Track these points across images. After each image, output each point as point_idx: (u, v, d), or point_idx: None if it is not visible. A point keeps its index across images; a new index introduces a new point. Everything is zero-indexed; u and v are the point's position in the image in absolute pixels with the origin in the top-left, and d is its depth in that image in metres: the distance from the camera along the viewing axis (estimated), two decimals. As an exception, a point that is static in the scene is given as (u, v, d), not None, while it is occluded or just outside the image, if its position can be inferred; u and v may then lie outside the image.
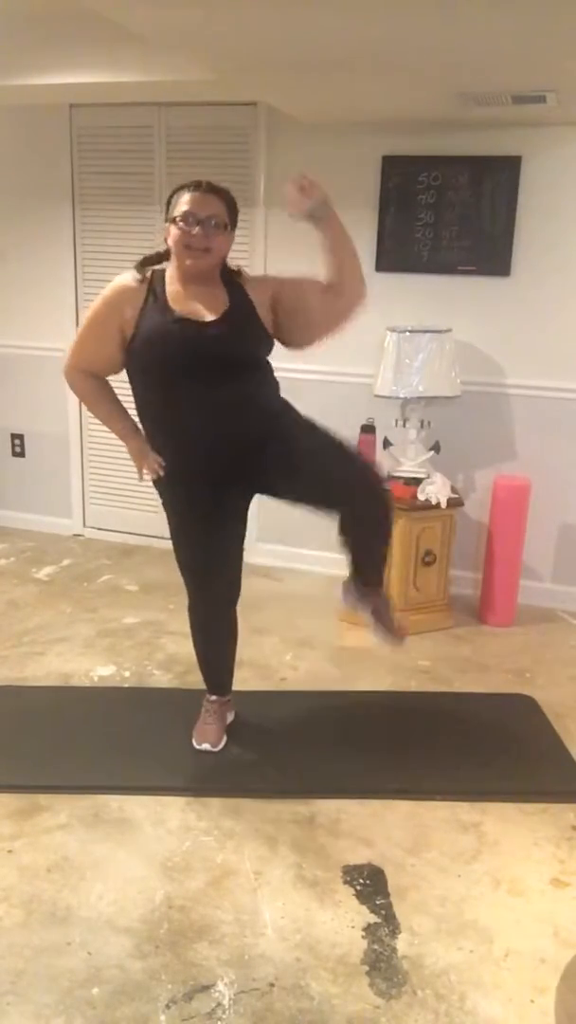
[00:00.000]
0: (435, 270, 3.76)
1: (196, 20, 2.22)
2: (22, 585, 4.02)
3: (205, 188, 2.24)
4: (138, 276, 2.33)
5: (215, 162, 3.92)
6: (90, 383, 2.44)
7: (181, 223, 2.22)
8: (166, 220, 2.29)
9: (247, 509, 2.58)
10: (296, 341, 2.43)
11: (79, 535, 4.68)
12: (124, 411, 2.48)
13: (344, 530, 2.54)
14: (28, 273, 4.41)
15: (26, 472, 4.72)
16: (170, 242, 2.28)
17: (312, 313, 2.36)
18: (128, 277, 2.35)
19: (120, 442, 2.51)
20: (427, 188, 3.68)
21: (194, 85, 3.27)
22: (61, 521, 4.70)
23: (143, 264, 2.36)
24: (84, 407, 2.55)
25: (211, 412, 2.31)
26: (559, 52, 2.41)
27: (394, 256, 3.79)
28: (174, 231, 2.25)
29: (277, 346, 2.43)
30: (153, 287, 2.32)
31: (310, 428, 2.45)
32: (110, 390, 2.46)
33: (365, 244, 3.80)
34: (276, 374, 2.45)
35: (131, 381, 2.39)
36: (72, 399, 4.48)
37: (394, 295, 3.81)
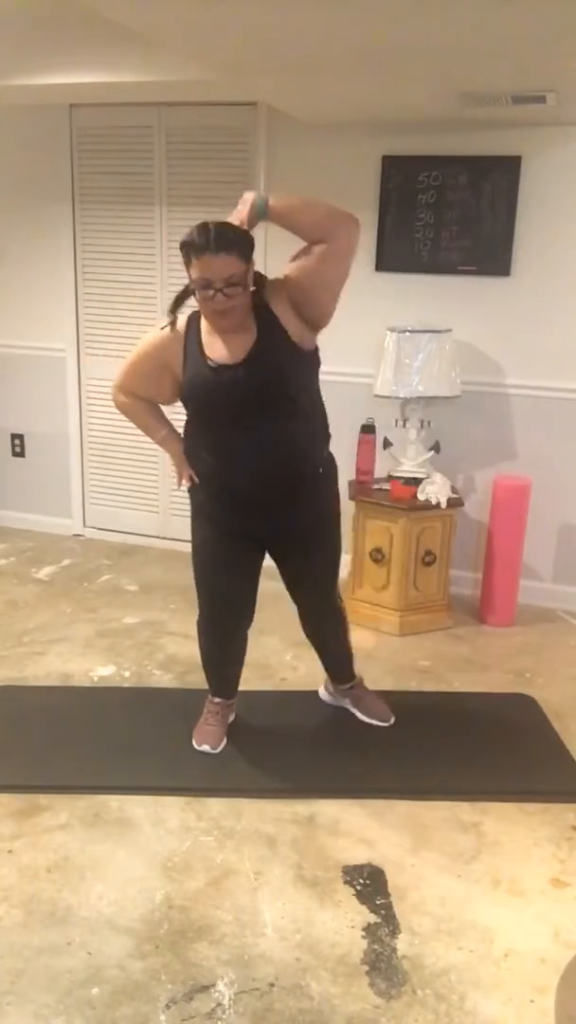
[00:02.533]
0: (435, 270, 3.75)
1: (196, 20, 2.22)
2: (22, 585, 4.02)
3: (214, 247, 2.12)
4: (170, 326, 2.35)
5: (215, 162, 3.92)
6: (139, 404, 2.51)
7: (199, 291, 2.19)
8: (185, 266, 2.23)
9: (271, 542, 2.59)
10: (323, 311, 2.35)
11: (79, 535, 4.68)
12: (165, 419, 2.54)
13: (305, 628, 2.78)
14: (28, 273, 4.41)
15: (26, 472, 4.72)
16: (196, 298, 2.25)
17: (319, 272, 2.28)
18: (165, 328, 2.36)
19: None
20: (427, 188, 3.68)
21: (194, 85, 3.27)
22: (61, 521, 4.70)
23: (172, 308, 2.34)
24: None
25: (250, 448, 2.33)
26: (559, 52, 2.41)
27: (394, 256, 3.79)
28: (196, 294, 2.22)
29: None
30: (190, 331, 2.34)
31: (326, 524, 2.58)
32: (153, 405, 2.52)
33: (365, 244, 3.79)
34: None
35: (185, 409, 2.44)
36: (72, 399, 4.49)
37: (394, 295, 3.81)
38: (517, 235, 3.63)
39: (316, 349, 2.39)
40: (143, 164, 4.06)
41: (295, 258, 2.30)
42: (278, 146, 3.85)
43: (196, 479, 2.46)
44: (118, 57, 3.16)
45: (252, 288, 2.26)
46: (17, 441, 4.69)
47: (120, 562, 4.31)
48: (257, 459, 2.34)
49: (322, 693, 3.00)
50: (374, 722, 2.85)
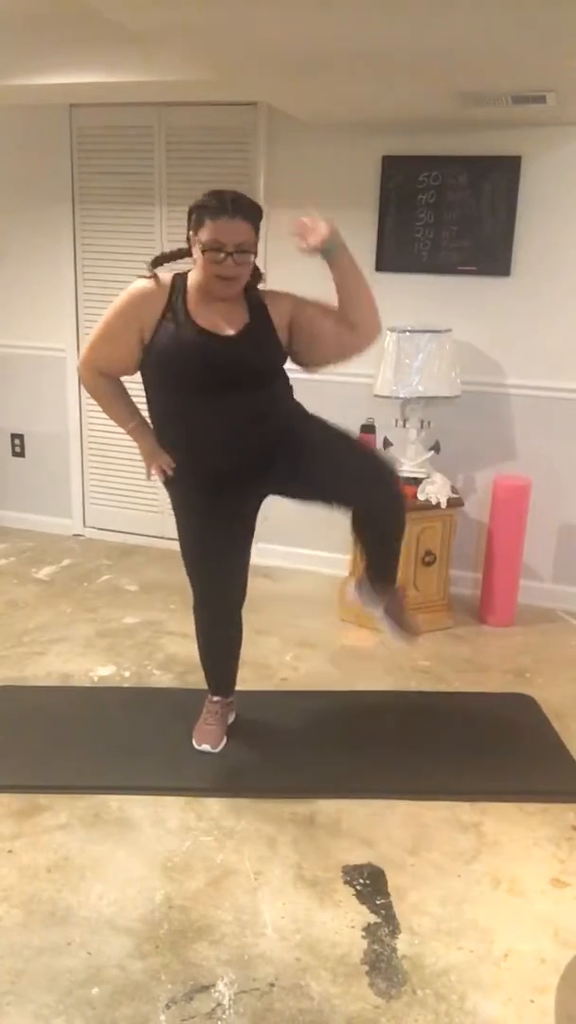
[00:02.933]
0: (435, 270, 3.76)
1: (196, 20, 2.22)
2: (22, 585, 4.02)
3: (231, 211, 2.15)
4: (151, 277, 2.30)
5: (215, 162, 3.92)
6: (103, 382, 2.44)
7: (208, 253, 2.18)
8: (190, 230, 2.23)
9: (256, 513, 2.59)
10: (306, 362, 2.43)
11: (79, 535, 4.68)
12: (136, 410, 2.48)
13: (356, 525, 2.56)
14: (28, 273, 4.41)
15: (26, 472, 4.72)
16: (197, 263, 2.24)
17: (325, 340, 2.35)
18: (148, 281, 2.31)
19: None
20: (427, 188, 3.68)
21: (194, 85, 3.27)
22: (61, 521, 4.70)
23: (156, 263, 2.33)
24: (96, 405, 2.54)
25: (225, 421, 2.31)
26: (559, 52, 2.41)
27: (394, 256, 3.79)
28: (200, 255, 2.21)
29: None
30: (174, 292, 2.29)
31: (320, 426, 2.46)
32: (123, 390, 2.47)
33: (365, 244, 3.81)
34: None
35: (145, 383, 2.39)
36: (72, 399, 4.49)
37: (394, 295, 3.80)
38: (517, 235, 3.63)
39: (287, 357, 2.43)
40: (143, 164, 4.06)
41: (321, 306, 2.34)
42: (278, 146, 3.85)
43: (168, 471, 2.41)
44: (118, 57, 3.16)
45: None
46: (17, 441, 4.69)
47: (120, 562, 4.31)
48: (233, 433, 2.32)
49: (351, 591, 2.78)
50: (402, 639, 2.68)
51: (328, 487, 2.48)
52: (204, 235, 2.17)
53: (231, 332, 2.27)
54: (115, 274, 4.21)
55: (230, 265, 2.18)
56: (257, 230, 2.22)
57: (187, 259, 2.34)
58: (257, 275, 2.36)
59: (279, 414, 2.40)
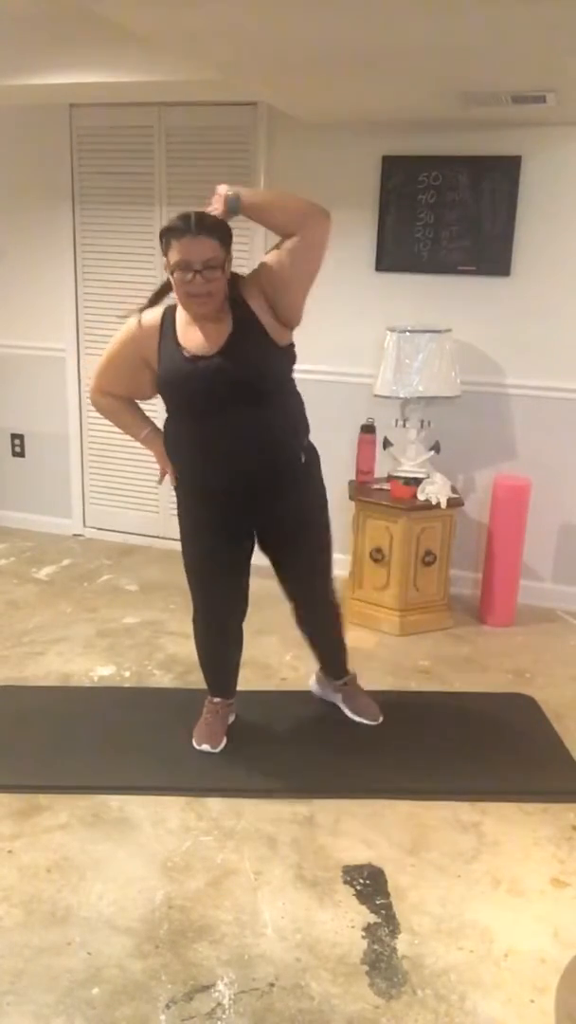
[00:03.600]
0: (435, 270, 3.75)
1: (196, 20, 2.22)
2: (22, 585, 4.02)
3: (195, 230, 2.17)
4: (141, 319, 2.37)
5: (215, 162, 3.92)
6: (112, 402, 2.52)
7: (177, 273, 2.20)
8: (164, 256, 2.25)
9: (260, 536, 2.59)
10: (293, 303, 2.34)
11: (79, 535, 4.68)
12: (145, 418, 2.55)
13: (298, 622, 2.76)
14: (28, 273, 4.41)
15: (26, 472, 4.72)
16: (173, 285, 2.27)
17: (293, 269, 2.29)
18: (134, 321, 2.39)
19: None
20: (427, 188, 3.68)
21: (194, 85, 3.27)
22: (61, 521, 4.70)
23: (151, 303, 2.38)
24: (102, 417, 2.59)
25: (228, 439, 2.34)
26: (559, 52, 2.41)
27: (394, 256, 3.79)
28: (173, 278, 2.23)
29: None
30: (165, 323, 2.35)
31: (313, 515, 2.57)
32: (132, 403, 2.54)
33: (365, 244, 3.81)
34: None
35: (164, 402, 2.45)
36: (72, 399, 4.49)
37: (394, 295, 3.81)
38: (517, 235, 3.63)
39: (291, 345, 2.40)
40: (143, 164, 4.06)
41: (268, 252, 2.33)
42: (278, 146, 3.85)
43: (177, 478, 2.48)
44: (118, 57, 3.16)
45: (228, 278, 2.27)
46: (17, 441, 4.69)
47: (120, 562, 4.31)
48: (235, 450, 2.34)
49: (312, 685, 2.99)
50: (363, 721, 2.84)
51: (283, 572, 2.63)
52: (172, 256, 2.20)
53: (216, 348, 2.28)
54: (115, 274, 4.22)
55: (199, 283, 2.19)
56: (226, 247, 2.22)
57: (168, 294, 2.37)
58: (237, 280, 2.35)
59: (281, 435, 2.40)
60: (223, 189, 2.24)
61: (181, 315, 2.34)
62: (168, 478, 2.53)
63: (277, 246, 2.30)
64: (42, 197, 4.27)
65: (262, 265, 2.33)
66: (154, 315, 2.38)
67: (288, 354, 2.40)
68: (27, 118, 4.16)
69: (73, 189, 4.22)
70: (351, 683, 2.91)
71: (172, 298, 2.35)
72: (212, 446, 2.36)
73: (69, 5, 2.83)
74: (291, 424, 2.45)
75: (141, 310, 2.39)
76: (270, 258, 2.31)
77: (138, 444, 2.60)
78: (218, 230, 2.20)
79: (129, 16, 2.24)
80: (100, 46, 3.15)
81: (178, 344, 2.32)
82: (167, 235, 2.21)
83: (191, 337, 2.31)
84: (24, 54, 3.31)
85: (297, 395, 2.47)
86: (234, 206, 2.22)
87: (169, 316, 2.37)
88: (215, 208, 2.23)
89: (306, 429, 2.51)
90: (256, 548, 2.60)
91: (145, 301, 2.39)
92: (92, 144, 4.14)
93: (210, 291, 2.21)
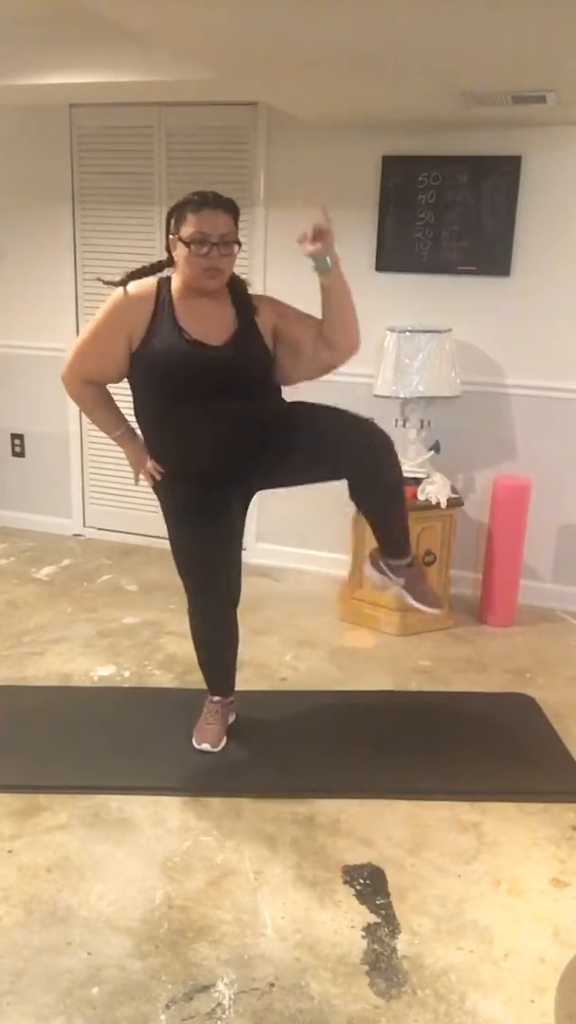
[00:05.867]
0: (435, 270, 3.75)
1: (196, 20, 2.22)
2: (22, 585, 4.02)
3: (213, 204, 2.18)
4: (127, 289, 2.31)
5: (215, 162, 3.92)
6: (89, 390, 2.43)
7: (193, 245, 2.18)
8: (170, 234, 2.25)
9: (246, 510, 2.59)
10: (280, 375, 2.42)
11: (79, 535, 4.68)
12: (121, 416, 2.48)
13: (354, 496, 2.50)
14: (28, 273, 4.41)
15: (26, 472, 4.72)
16: (179, 260, 2.25)
17: (304, 355, 2.36)
18: (119, 292, 2.31)
19: (108, 437, 2.52)
20: (427, 188, 3.68)
21: (194, 85, 3.27)
22: (61, 521, 4.70)
23: (130, 278, 2.34)
24: (82, 412, 2.54)
25: (212, 426, 2.31)
26: (559, 52, 2.41)
27: (394, 256, 3.79)
28: (184, 251, 2.21)
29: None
30: (161, 299, 2.30)
31: (301, 411, 2.42)
32: (108, 396, 2.47)
33: (365, 244, 3.81)
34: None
35: (134, 389, 2.39)
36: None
37: (394, 295, 3.81)
38: (517, 235, 3.63)
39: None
40: (143, 164, 4.06)
41: (302, 319, 2.35)
42: (278, 146, 3.85)
43: (157, 476, 2.43)
44: (118, 57, 3.16)
45: (233, 274, 2.28)
46: (17, 441, 4.69)
47: (120, 562, 4.31)
48: (226, 436, 2.32)
49: (368, 570, 2.71)
50: (425, 609, 2.65)
51: (309, 464, 2.42)
52: (188, 229, 2.19)
53: (221, 340, 2.27)
54: (115, 274, 4.19)
55: (215, 256, 2.19)
56: (237, 225, 2.24)
57: (159, 274, 2.36)
58: (242, 283, 2.36)
59: (265, 416, 2.39)
60: (330, 233, 2.17)
61: (179, 294, 2.29)
62: (143, 476, 2.46)
63: (313, 326, 2.32)
64: (42, 197, 4.27)
65: (287, 312, 2.36)
66: (146, 285, 2.31)
67: (272, 359, 2.41)
68: (27, 118, 4.16)
69: (73, 189, 4.22)
70: (416, 566, 2.66)
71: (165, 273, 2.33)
72: (202, 431, 2.31)
73: (69, 5, 2.82)
74: (275, 407, 2.44)
75: (125, 279, 2.32)
76: (302, 323, 2.34)
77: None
78: (233, 209, 2.22)
79: (128, 15, 2.24)
80: (100, 46, 3.15)
81: (178, 325, 2.27)
82: (182, 208, 2.20)
83: (193, 323, 2.27)
84: (24, 54, 3.31)
85: (279, 387, 2.48)
86: (324, 264, 2.20)
87: (165, 290, 2.31)
88: (311, 240, 2.16)
89: (283, 400, 2.49)
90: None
91: (126, 274, 2.34)
92: (92, 144, 4.14)
93: (224, 266, 2.21)
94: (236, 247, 2.24)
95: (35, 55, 3.30)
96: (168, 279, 2.33)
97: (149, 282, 2.33)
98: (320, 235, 2.17)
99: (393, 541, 2.58)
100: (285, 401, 2.48)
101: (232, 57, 2.65)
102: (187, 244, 2.19)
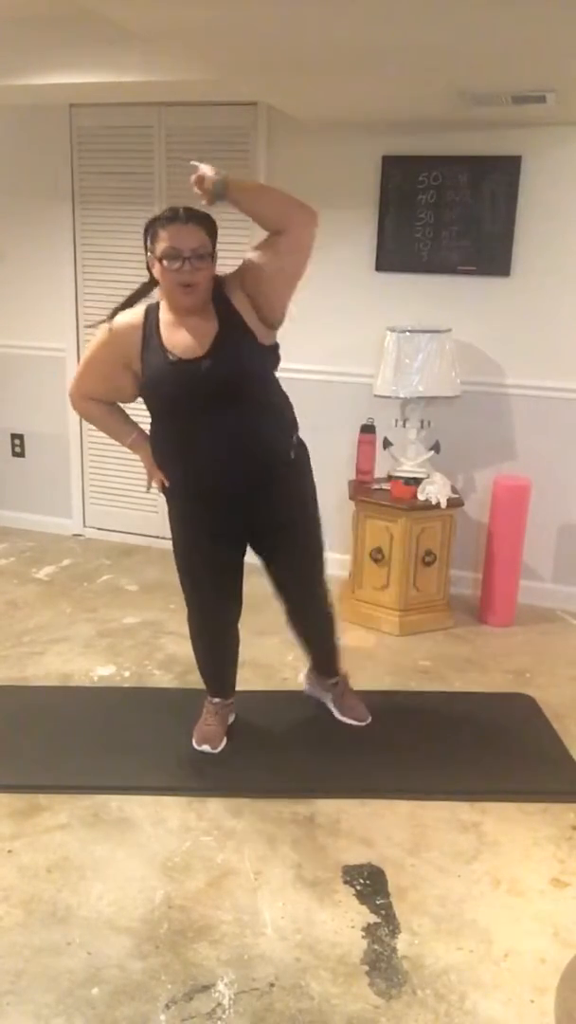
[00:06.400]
0: (435, 270, 3.75)
1: (196, 20, 2.21)
2: (22, 585, 4.02)
3: (184, 218, 2.17)
4: (112, 325, 2.33)
5: (215, 162, 3.86)
6: (93, 406, 2.49)
7: (165, 261, 2.18)
8: (147, 251, 2.25)
9: (251, 536, 2.57)
10: (278, 304, 2.33)
11: (79, 535, 4.68)
12: (132, 423, 2.51)
13: (291, 622, 2.73)
14: (28, 273, 4.41)
15: (26, 472, 4.72)
16: (158, 278, 2.25)
17: (278, 268, 2.27)
18: (104, 328, 2.35)
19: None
20: (427, 188, 3.68)
21: (194, 85, 3.27)
22: (61, 521, 4.71)
23: (118, 310, 2.35)
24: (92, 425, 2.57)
25: (215, 441, 2.32)
26: (559, 52, 2.41)
27: (394, 256, 3.79)
28: (158, 267, 2.21)
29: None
30: (148, 324, 2.32)
31: (304, 512, 2.54)
32: (117, 408, 2.50)
33: (365, 244, 3.81)
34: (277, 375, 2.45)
35: (146, 406, 2.43)
36: (72, 399, 4.49)
37: (394, 295, 3.81)
38: (517, 235, 3.63)
39: (276, 345, 2.39)
40: (143, 164, 4.06)
41: (253, 249, 2.31)
42: (278, 146, 3.85)
43: (167, 483, 2.45)
44: (118, 57, 3.16)
45: (214, 273, 2.27)
46: (17, 441, 4.70)
47: (120, 562, 4.31)
48: (223, 452, 2.33)
49: (302, 680, 2.97)
50: (350, 722, 2.83)
51: (275, 572, 2.59)
52: (160, 245, 2.19)
53: (203, 351, 2.26)
54: (115, 274, 4.21)
55: (188, 271, 2.18)
56: (213, 240, 2.22)
57: (146, 299, 2.36)
58: (221, 280, 2.33)
59: (270, 433, 2.39)
60: (208, 171, 2.18)
61: (165, 316, 2.31)
62: (155, 485, 2.50)
63: (261, 245, 2.28)
64: (42, 197, 4.27)
65: (245, 262, 2.30)
66: (133, 315, 2.34)
67: (273, 354, 2.38)
68: (27, 118, 4.16)
69: (73, 189, 4.22)
70: (341, 683, 2.89)
71: (152, 297, 2.33)
72: (200, 448, 2.33)
73: (69, 5, 2.82)
74: (278, 422, 2.43)
75: (111, 316, 2.35)
76: (254, 256, 2.29)
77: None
78: (206, 222, 2.21)
79: (129, 15, 2.24)
80: (100, 46, 3.15)
81: (162, 346, 2.29)
82: (154, 225, 2.21)
83: (177, 340, 2.28)
84: (24, 54, 3.31)
85: (283, 394, 2.46)
86: (220, 190, 2.18)
87: (152, 316, 2.33)
88: (199, 189, 2.18)
89: (294, 425, 2.49)
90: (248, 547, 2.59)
91: (115, 307, 2.36)
92: (92, 144, 4.14)
93: (198, 281, 2.20)
94: (210, 260, 2.21)
95: (35, 55, 3.30)
96: (156, 304, 2.35)
97: (136, 311, 2.36)
98: (199, 182, 2.18)
99: (324, 663, 2.85)
100: (303, 453, 2.50)
101: (232, 57, 2.65)
102: (160, 260, 2.20)
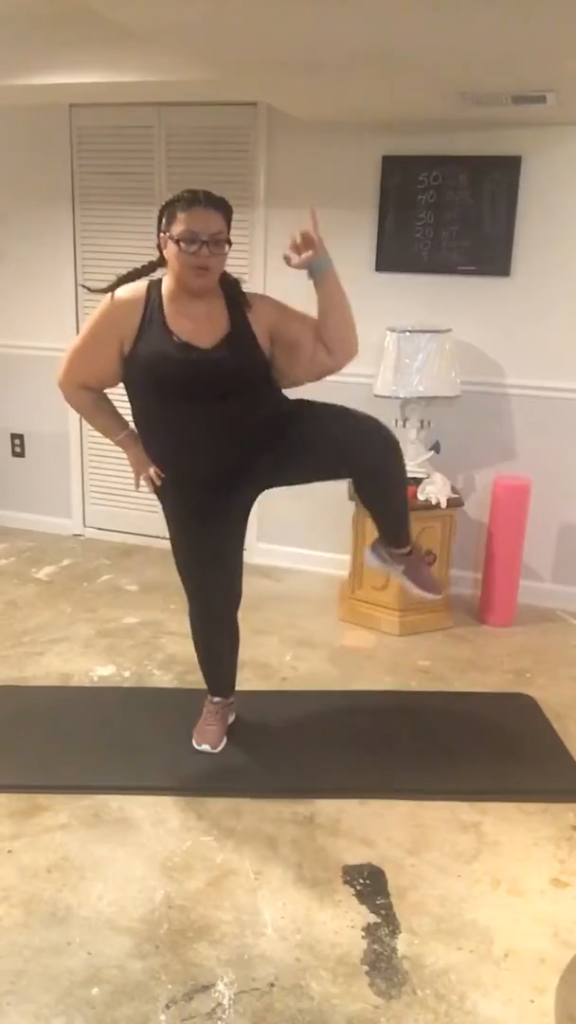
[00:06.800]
0: (435, 270, 3.75)
1: (196, 20, 2.22)
2: (22, 585, 4.02)
3: (205, 202, 2.16)
4: (115, 295, 2.30)
5: (215, 162, 3.92)
6: (85, 395, 2.42)
7: (183, 243, 2.17)
8: (161, 231, 2.23)
9: (247, 514, 2.58)
10: (277, 377, 2.39)
11: (79, 535, 4.68)
12: (122, 421, 2.47)
13: (356, 489, 2.54)
14: (28, 273, 4.41)
15: (26, 472, 4.72)
16: (169, 258, 2.24)
17: (303, 358, 2.33)
18: (107, 299, 2.30)
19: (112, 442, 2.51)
20: (427, 188, 3.68)
21: (194, 85, 3.27)
22: (61, 521, 4.70)
23: (119, 282, 2.32)
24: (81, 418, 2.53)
25: (208, 429, 2.30)
26: (559, 52, 2.41)
27: (394, 256, 3.79)
28: (174, 249, 2.19)
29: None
30: (151, 301, 2.28)
31: (302, 409, 2.40)
32: (107, 401, 2.46)
33: (365, 244, 3.81)
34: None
35: (129, 393, 2.38)
36: (72, 399, 4.48)
37: (394, 295, 3.81)
38: (517, 235, 3.63)
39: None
40: (143, 164, 4.06)
41: (302, 320, 2.32)
42: (278, 146, 3.85)
43: (157, 481, 2.41)
44: (118, 57, 3.16)
45: (225, 273, 2.26)
46: (17, 441, 4.69)
47: (120, 562, 4.31)
48: (218, 443, 2.31)
49: (369, 557, 2.71)
50: (424, 595, 2.66)
51: (313, 465, 2.43)
52: (178, 227, 2.17)
53: (212, 342, 2.25)
54: (115, 274, 4.20)
55: (205, 254, 2.16)
56: (228, 224, 2.21)
57: (151, 276, 2.34)
58: (235, 283, 2.34)
59: (264, 417, 2.37)
60: (317, 238, 2.18)
61: (169, 296, 2.28)
62: (144, 481, 2.44)
63: (310, 328, 2.30)
64: (42, 197, 4.27)
65: (287, 314, 2.33)
66: (134, 289, 2.30)
67: (268, 360, 2.39)
68: (27, 118, 4.16)
69: (73, 189, 4.22)
70: (415, 554, 2.67)
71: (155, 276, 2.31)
72: (197, 433, 2.30)
73: (69, 5, 2.83)
74: (274, 407, 2.41)
75: (113, 286, 2.31)
76: (301, 324, 2.31)
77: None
78: (225, 207, 2.20)
79: (129, 15, 2.24)
80: (100, 46, 3.15)
81: (166, 327, 2.26)
82: (172, 207, 2.18)
83: (183, 324, 2.25)
84: (24, 54, 3.31)
85: (274, 385, 2.44)
86: (322, 266, 2.21)
87: (155, 293, 2.29)
88: (302, 243, 2.17)
89: (285, 399, 2.45)
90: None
91: (116, 278, 2.32)
92: (92, 144, 4.14)
93: (215, 265, 2.19)
94: (227, 246, 2.21)
95: (35, 55, 3.30)
96: (159, 282, 2.31)
97: (138, 286, 2.31)
98: (309, 242, 2.18)
99: (395, 532, 2.60)
100: (287, 400, 2.45)
101: (232, 57, 2.65)
102: (177, 242, 2.18)
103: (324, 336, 2.30)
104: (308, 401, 2.43)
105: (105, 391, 2.44)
